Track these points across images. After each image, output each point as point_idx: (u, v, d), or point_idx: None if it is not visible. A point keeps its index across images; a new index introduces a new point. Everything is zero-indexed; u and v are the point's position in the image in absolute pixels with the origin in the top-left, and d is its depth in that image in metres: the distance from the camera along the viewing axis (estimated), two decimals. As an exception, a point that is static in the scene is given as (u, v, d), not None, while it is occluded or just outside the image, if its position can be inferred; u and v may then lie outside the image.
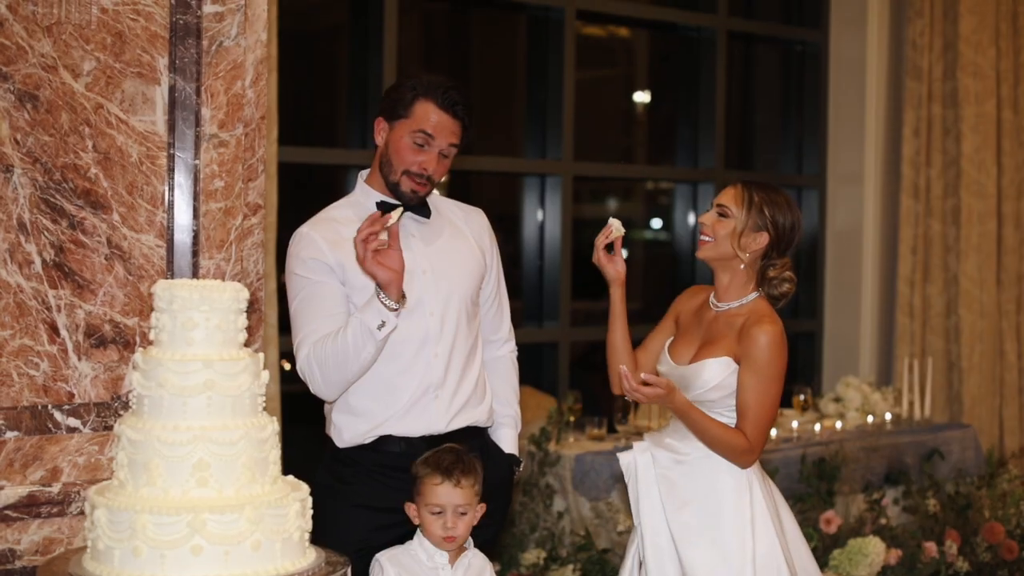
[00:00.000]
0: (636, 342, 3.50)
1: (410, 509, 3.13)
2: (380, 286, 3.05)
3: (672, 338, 3.44)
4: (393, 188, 3.25)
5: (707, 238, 3.31)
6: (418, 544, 3.14)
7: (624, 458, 3.38)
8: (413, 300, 3.17)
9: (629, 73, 7.50)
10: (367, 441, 3.23)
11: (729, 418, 3.27)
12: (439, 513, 3.07)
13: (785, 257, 3.31)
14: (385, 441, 3.22)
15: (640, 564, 3.38)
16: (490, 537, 3.38)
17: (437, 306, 3.24)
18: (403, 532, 3.20)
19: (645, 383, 3.11)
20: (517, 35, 6.68)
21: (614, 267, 3.38)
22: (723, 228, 3.29)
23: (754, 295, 3.32)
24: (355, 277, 3.18)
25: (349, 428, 3.24)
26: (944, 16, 6.97)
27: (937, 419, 6.55)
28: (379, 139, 3.28)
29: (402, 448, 3.21)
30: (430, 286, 3.25)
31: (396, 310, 3.06)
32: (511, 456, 3.41)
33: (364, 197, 3.31)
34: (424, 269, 3.25)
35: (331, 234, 3.22)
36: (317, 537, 3.16)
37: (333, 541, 3.03)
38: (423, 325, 3.22)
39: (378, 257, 3.01)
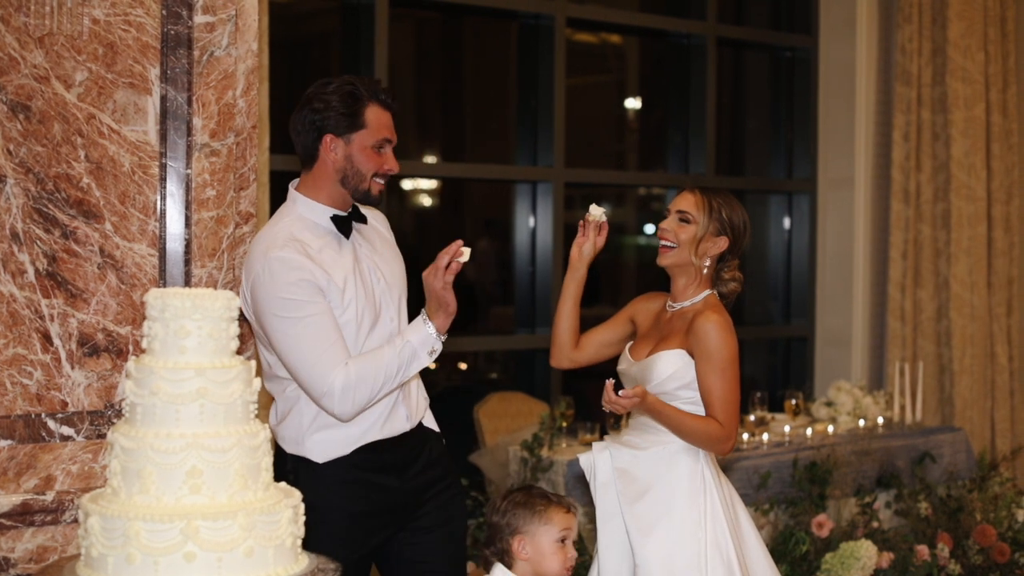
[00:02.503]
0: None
1: (520, 545, 3.09)
2: (441, 314, 3.11)
3: (633, 341, 3.52)
4: (364, 195, 3.22)
5: (670, 244, 3.39)
6: None
7: (584, 459, 3.46)
8: (377, 309, 3.22)
9: (620, 79, 7.53)
10: (345, 453, 3.21)
11: (687, 407, 3.32)
12: (563, 542, 3.10)
13: (737, 258, 3.44)
14: (361, 449, 3.22)
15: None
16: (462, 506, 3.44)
17: (393, 311, 3.26)
18: (391, 526, 3.24)
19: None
20: (508, 42, 6.70)
21: (578, 247, 3.47)
22: (685, 233, 3.37)
23: (706, 292, 3.41)
24: (338, 297, 3.13)
25: (329, 443, 3.20)
26: (933, 21, 7.00)
27: (928, 422, 6.56)
28: (333, 155, 3.18)
29: (377, 451, 3.22)
30: (386, 293, 3.25)
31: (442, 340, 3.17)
32: (438, 433, 3.45)
33: (311, 213, 3.20)
34: (378, 277, 3.25)
35: (307, 255, 3.10)
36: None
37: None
38: (386, 331, 3.22)
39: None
